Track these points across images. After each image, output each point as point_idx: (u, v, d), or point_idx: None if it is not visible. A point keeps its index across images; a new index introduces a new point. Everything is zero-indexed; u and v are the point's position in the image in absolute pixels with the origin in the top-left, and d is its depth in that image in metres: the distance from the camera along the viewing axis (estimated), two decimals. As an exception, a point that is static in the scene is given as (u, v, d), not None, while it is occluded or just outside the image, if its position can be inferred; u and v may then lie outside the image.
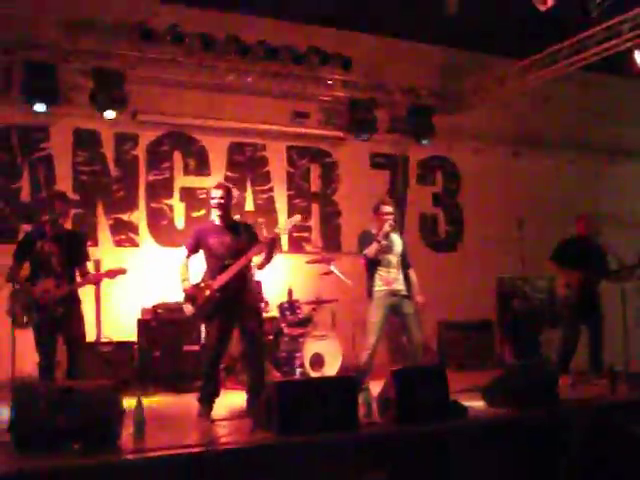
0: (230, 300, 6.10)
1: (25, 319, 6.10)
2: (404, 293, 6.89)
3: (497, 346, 9.85)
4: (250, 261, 6.23)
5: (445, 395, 5.68)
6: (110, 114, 8.56)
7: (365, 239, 6.94)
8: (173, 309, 8.12)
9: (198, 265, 6.36)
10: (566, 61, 8.99)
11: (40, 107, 8.27)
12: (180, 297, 6.36)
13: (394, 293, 6.85)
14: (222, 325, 6.14)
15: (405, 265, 7.04)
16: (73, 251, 6.37)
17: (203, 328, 7.32)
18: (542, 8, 7.07)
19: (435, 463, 5.20)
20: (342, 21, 9.53)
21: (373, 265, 6.91)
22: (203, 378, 6.30)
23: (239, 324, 6.24)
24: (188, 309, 6.21)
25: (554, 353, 8.15)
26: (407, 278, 6.99)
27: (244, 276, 6.25)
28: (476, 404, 6.09)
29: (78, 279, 6.41)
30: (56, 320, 6.15)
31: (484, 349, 9.76)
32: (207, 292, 6.10)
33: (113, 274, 6.44)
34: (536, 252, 9.26)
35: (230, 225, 6.36)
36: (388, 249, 6.90)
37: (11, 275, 6.16)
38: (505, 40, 9.52)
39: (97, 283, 6.79)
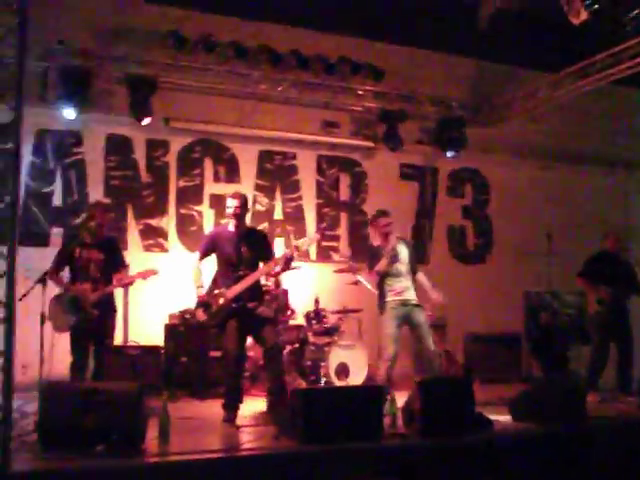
0: (243, 309, 6.24)
1: (65, 322, 6.28)
2: (415, 302, 6.87)
3: (524, 360, 9.74)
4: (265, 274, 6.46)
5: (471, 408, 5.64)
6: (146, 121, 8.64)
7: (373, 255, 6.95)
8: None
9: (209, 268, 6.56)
10: (598, 75, 8.90)
11: (69, 114, 8.38)
12: (193, 303, 6.58)
13: (405, 303, 6.83)
14: (237, 332, 6.22)
15: (413, 271, 7.02)
16: (110, 258, 6.64)
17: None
18: (576, 21, 7.03)
19: (460, 476, 5.16)
20: (374, 32, 9.54)
21: (384, 277, 6.90)
22: (226, 385, 6.41)
23: (254, 334, 6.40)
24: (200, 315, 6.35)
25: (583, 369, 8.06)
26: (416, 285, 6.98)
27: (258, 287, 6.45)
28: (502, 418, 6.03)
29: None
30: (91, 322, 6.37)
31: (511, 363, 9.67)
32: (221, 300, 6.25)
33: (146, 275, 6.72)
34: (565, 266, 9.20)
35: (245, 234, 6.46)
36: (395, 259, 6.90)
37: (53, 279, 6.41)
38: (537, 53, 9.48)
39: (130, 284, 6.95)
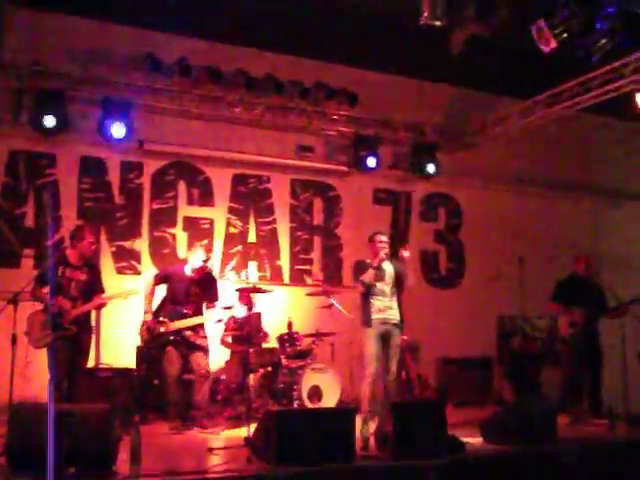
0: (181, 339, 7.16)
1: (43, 338, 6.32)
2: (395, 322, 6.93)
3: (496, 383, 9.80)
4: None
5: (443, 430, 5.66)
6: (119, 143, 8.68)
7: (360, 268, 7.03)
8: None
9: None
10: (567, 103, 9.10)
11: (43, 135, 8.41)
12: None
13: (386, 321, 6.88)
14: (174, 355, 7.13)
15: (400, 289, 7.09)
16: (91, 281, 6.84)
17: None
18: (546, 49, 7.17)
19: (431, 498, 5.17)
20: (349, 58, 9.65)
21: (367, 294, 6.95)
22: (168, 401, 7.20)
23: (187, 360, 7.21)
24: (143, 336, 7.24)
25: (553, 392, 8.13)
26: (401, 306, 7.05)
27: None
28: (474, 440, 6.06)
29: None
30: (69, 340, 6.50)
31: (483, 386, 9.73)
32: (162, 329, 7.15)
33: (125, 295, 7.04)
34: (536, 291, 9.31)
35: (200, 278, 7.42)
36: (380, 278, 6.96)
37: (35, 295, 6.55)
38: (509, 80, 9.65)
39: (104, 305, 7.10)
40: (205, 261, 7.38)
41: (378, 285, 6.95)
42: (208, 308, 7.39)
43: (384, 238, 7.14)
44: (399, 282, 7.09)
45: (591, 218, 11.74)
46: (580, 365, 8.06)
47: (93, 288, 6.85)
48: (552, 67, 8.14)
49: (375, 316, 6.87)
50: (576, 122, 10.53)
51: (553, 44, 7.02)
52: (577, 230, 11.35)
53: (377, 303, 6.92)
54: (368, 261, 7.02)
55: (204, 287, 7.41)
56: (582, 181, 11.55)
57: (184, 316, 7.19)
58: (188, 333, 7.15)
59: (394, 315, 6.94)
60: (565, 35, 6.94)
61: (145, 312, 7.24)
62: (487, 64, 8.96)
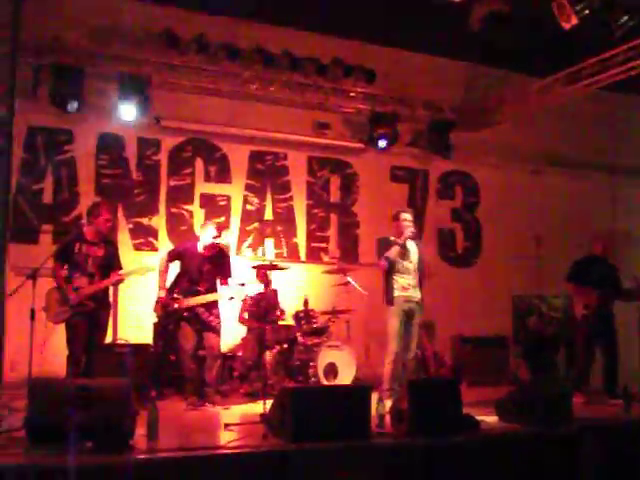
0: (194, 316, 7.12)
1: (61, 313, 6.38)
2: (418, 300, 6.95)
3: (512, 362, 9.79)
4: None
5: (458, 409, 5.67)
6: (136, 118, 8.68)
7: (384, 244, 7.05)
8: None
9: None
10: (587, 80, 8.98)
11: (62, 111, 8.41)
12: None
13: (409, 299, 6.91)
14: (189, 331, 7.12)
15: (422, 273, 7.10)
16: (108, 257, 6.80)
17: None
18: (566, 26, 7.09)
19: (446, 476, 5.19)
20: (367, 34, 9.57)
21: (391, 272, 6.97)
22: (185, 376, 7.21)
23: (200, 337, 7.15)
24: (158, 313, 7.25)
25: (569, 371, 8.12)
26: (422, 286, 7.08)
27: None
28: (489, 419, 6.07)
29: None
30: (86, 315, 6.52)
31: (499, 365, 9.72)
32: (176, 305, 7.11)
33: (143, 271, 7.01)
34: (553, 270, 9.26)
35: (213, 254, 7.33)
36: (405, 256, 6.98)
37: (53, 272, 6.61)
38: (528, 57, 9.53)
39: (122, 281, 7.05)
40: (216, 237, 7.32)
41: (403, 263, 6.97)
42: (221, 285, 7.34)
43: (409, 216, 7.16)
44: (420, 264, 7.11)
45: (609, 197, 11.65)
46: (593, 346, 8.04)
47: (110, 264, 6.83)
48: (573, 44, 8.05)
49: (398, 294, 6.91)
50: (596, 100, 10.40)
51: (574, 20, 6.94)
52: (595, 209, 11.28)
53: (401, 281, 6.96)
54: (392, 238, 7.03)
55: (216, 264, 7.34)
56: (600, 160, 11.43)
57: (197, 293, 7.16)
58: (201, 310, 7.11)
59: (416, 294, 6.99)
60: (587, 11, 6.85)
61: (159, 288, 7.22)
62: (506, 41, 8.84)
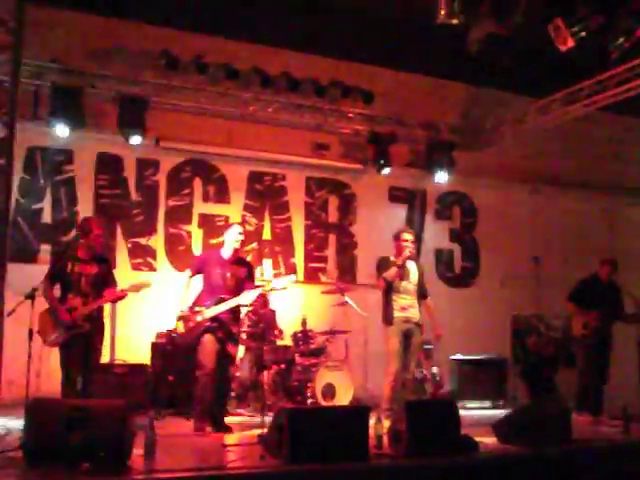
0: (218, 328, 6.63)
1: (56, 337, 6.26)
2: (416, 321, 6.96)
3: (511, 383, 9.76)
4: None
5: (457, 430, 5.65)
6: (136, 140, 8.72)
7: (383, 264, 7.07)
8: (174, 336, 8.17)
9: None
10: (585, 101, 9.04)
11: (61, 132, 8.42)
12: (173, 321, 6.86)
13: (408, 320, 6.92)
14: (212, 347, 6.60)
15: (422, 294, 7.12)
16: (102, 275, 6.58)
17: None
18: (563, 48, 7.13)
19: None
20: (365, 55, 9.64)
21: (390, 292, 6.98)
22: (197, 397, 6.65)
23: (222, 348, 6.66)
24: (180, 329, 6.71)
25: (569, 392, 8.11)
26: (422, 307, 7.07)
27: (237, 309, 6.86)
28: (487, 440, 6.04)
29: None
30: (82, 337, 6.34)
31: (497, 386, 9.67)
32: (199, 318, 6.62)
33: (138, 288, 6.73)
34: (552, 290, 9.26)
35: (234, 261, 6.88)
36: (405, 276, 7.01)
37: (45, 293, 6.35)
38: (526, 79, 9.59)
39: (122, 298, 6.81)
40: (241, 233, 6.92)
41: (402, 283, 6.99)
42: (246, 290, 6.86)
43: (409, 236, 7.19)
44: (420, 286, 7.12)
45: (608, 217, 11.67)
46: (594, 364, 8.04)
47: (105, 282, 6.64)
48: (569, 66, 8.10)
49: (397, 314, 6.93)
50: (593, 121, 10.45)
51: (570, 43, 6.98)
52: (594, 229, 11.31)
53: (400, 301, 6.98)
54: (392, 258, 7.06)
55: (240, 271, 6.85)
56: (599, 180, 11.46)
57: (222, 301, 6.67)
58: (227, 318, 6.67)
59: (415, 314, 6.99)
60: (583, 34, 6.90)
61: (181, 304, 6.76)
62: (504, 62, 8.90)
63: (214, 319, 6.62)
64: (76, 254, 6.62)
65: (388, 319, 6.97)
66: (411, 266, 7.13)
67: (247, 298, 6.78)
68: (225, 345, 6.69)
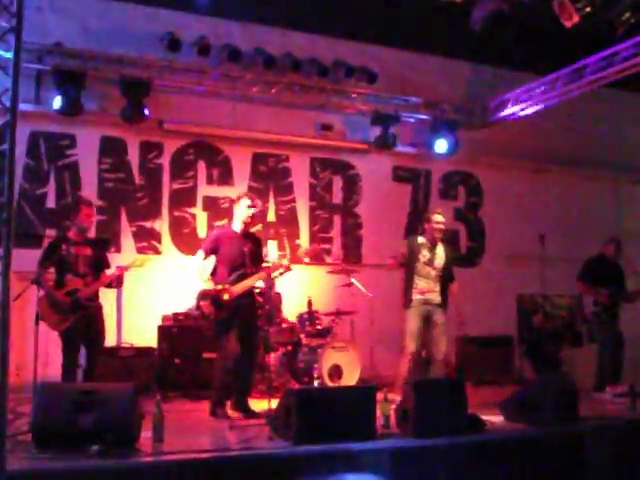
0: (243, 307, 6.47)
1: (60, 321, 6.24)
2: (438, 302, 6.97)
3: (516, 362, 9.78)
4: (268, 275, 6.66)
5: (464, 409, 5.67)
6: (139, 123, 8.67)
7: (410, 247, 7.17)
8: (194, 316, 8.17)
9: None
10: (590, 78, 8.96)
11: (63, 116, 8.41)
12: (192, 300, 6.67)
13: (428, 302, 6.94)
14: (236, 331, 6.42)
15: (447, 277, 7.11)
16: (97, 256, 6.53)
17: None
18: (568, 24, 7.07)
19: (452, 476, 5.18)
20: (368, 34, 9.58)
21: (411, 275, 7.00)
22: (218, 381, 6.51)
23: (244, 330, 6.49)
24: (206, 308, 6.38)
25: (575, 371, 8.15)
26: (446, 292, 7.08)
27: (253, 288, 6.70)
28: (494, 419, 6.06)
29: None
30: (84, 319, 6.34)
31: (503, 365, 9.68)
32: (226, 296, 6.39)
33: (140, 262, 6.78)
34: (557, 269, 9.25)
35: (247, 235, 6.71)
36: (430, 262, 7.00)
37: (37, 279, 6.27)
38: (530, 56, 9.52)
39: (122, 274, 6.84)
40: (251, 207, 6.62)
41: (426, 268, 6.99)
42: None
43: (440, 218, 7.14)
44: (447, 270, 7.11)
45: (613, 196, 11.64)
46: (613, 338, 8.09)
47: (100, 263, 6.63)
48: (574, 42, 8.04)
49: (417, 297, 6.93)
50: (598, 98, 10.38)
51: (576, 19, 6.92)
52: (599, 208, 11.28)
53: (421, 284, 7.01)
54: (420, 240, 7.06)
55: (255, 245, 6.70)
56: (604, 158, 11.41)
57: (245, 275, 6.46)
58: (257, 292, 6.59)
59: (436, 297, 7.01)
60: (588, 9, 6.84)
61: (205, 280, 6.51)
62: (508, 40, 8.84)
63: (240, 296, 6.44)
64: (68, 236, 6.61)
65: (407, 301, 6.99)
66: (439, 250, 7.11)
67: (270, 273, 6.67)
68: (246, 328, 6.53)
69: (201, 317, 6.64)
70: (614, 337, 8.09)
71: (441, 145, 10.31)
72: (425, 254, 7.04)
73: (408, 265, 7.12)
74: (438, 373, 6.95)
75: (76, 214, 6.64)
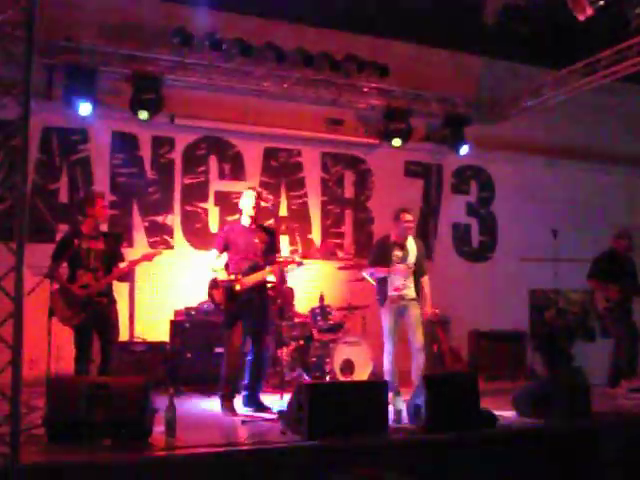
0: (254, 302, 6.46)
1: (72, 316, 6.24)
2: (411, 297, 6.96)
3: (528, 357, 9.75)
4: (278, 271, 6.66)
5: (476, 403, 5.65)
6: (144, 115, 8.65)
7: (380, 248, 7.15)
8: (206, 311, 8.19)
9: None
10: (603, 72, 8.91)
11: (76, 111, 8.40)
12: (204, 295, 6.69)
13: (402, 297, 6.93)
14: (242, 326, 6.46)
15: (419, 273, 7.10)
16: (109, 250, 6.51)
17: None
18: (581, 17, 7.03)
19: (464, 471, 5.17)
20: (380, 29, 9.54)
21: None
22: (225, 376, 6.48)
23: (254, 324, 6.51)
24: (218, 297, 6.43)
25: (588, 365, 8.11)
26: (418, 285, 7.06)
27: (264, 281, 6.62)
28: (507, 413, 6.05)
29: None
30: (97, 314, 6.30)
31: (515, 359, 9.68)
32: (238, 287, 6.40)
33: (150, 257, 6.71)
34: (570, 264, 9.20)
35: (257, 227, 6.73)
36: (402, 260, 7.00)
37: (51, 273, 6.26)
38: (543, 50, 9.47)
39: (133, 268, 6.85)
40: (257, 198, 6.65)
41: (399, 265, 6.98)
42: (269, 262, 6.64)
43: (409, 217, 7.17)
44: (418, 265, 7.11)
45: (626, 190, 11.56)
46: (626, 336, 8.05)
47: (114, 257, 6.54)
48: (588, 36, 7.99)
49: (392, 293, 6.94)
50: (612, 92, 10.31)
51: (589, 12, 6.88)
52: (612, 202, 11.20)
53: (395, 281, 6.98)
54: (392, 240, 7.06)
55: (265, 238, 6.66)
56: (617, 152, 11.36)
57: (257, 267, 6.47)
58: (269, 285, 6.57)
59: (410, 292, 7.00)
60: (601, 2, 6.80)
61: (220, 270, 6.54)
62: (521, 34, 8.79)
63: (251, 288, 6.43)
64: (81, 230, 6.54)
65: (381, 299, 7.01)
66: (411, 246, 7.10)
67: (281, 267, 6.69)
68: (254, 322, 6.53)
69: (212, 303, 6.69)
70: (629, 332, 8.05)
71: (464, 149, 10.37)
72: (397, 253, 7.04)
73: (381, 265, 7.09)
74: (421, 361, 6.92)
75: (92, 207, 6.59)
